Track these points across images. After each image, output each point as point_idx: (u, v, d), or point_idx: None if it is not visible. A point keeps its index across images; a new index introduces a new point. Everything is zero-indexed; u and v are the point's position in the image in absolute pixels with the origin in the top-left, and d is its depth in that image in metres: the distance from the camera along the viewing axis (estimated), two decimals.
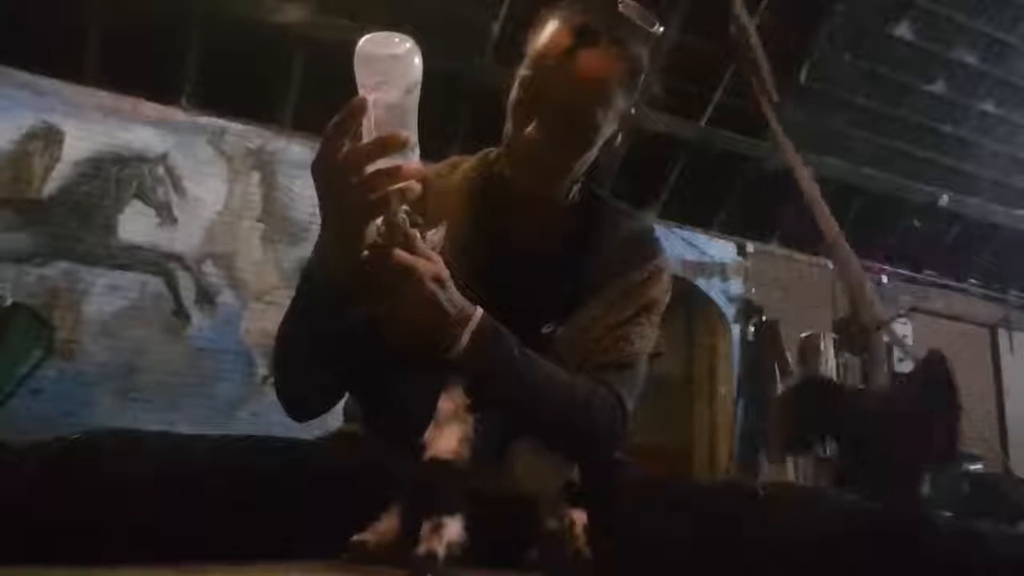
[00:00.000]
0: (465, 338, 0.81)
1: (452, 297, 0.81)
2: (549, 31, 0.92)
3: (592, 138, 0.94)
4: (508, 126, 0.96)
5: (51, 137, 4.83)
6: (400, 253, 0.77)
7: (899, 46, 6.29)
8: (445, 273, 0.81)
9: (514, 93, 0.94)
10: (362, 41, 0.75)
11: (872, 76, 6.40)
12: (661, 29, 0.95)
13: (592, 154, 0.97)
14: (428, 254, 0.80)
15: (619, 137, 0.99)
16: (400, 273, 0.77)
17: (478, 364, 0.82)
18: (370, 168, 0.74)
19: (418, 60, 0.76)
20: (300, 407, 0.95)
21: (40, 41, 4.72)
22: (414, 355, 0.82)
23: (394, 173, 0.75)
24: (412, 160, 0.77)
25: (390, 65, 0.75)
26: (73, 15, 4.72)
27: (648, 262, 1.02)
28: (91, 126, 4.94)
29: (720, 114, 6.21)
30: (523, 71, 0.93)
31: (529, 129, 0.91)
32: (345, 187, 0.75)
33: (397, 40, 0.76)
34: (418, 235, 0.79)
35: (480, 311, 0.83)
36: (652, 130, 5.79)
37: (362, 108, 0.73)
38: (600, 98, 0.91)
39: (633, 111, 0.98)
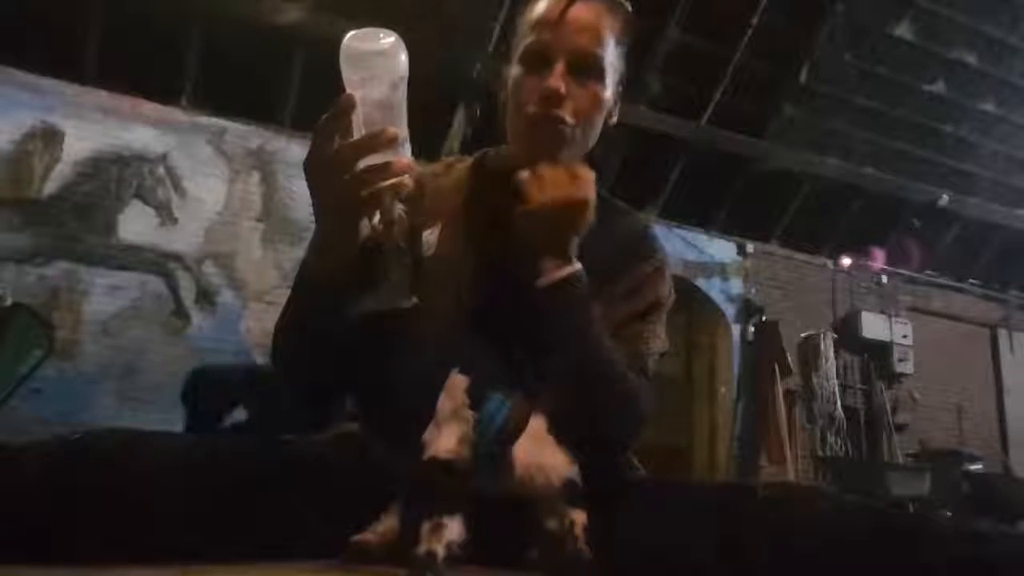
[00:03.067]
0: (567, 271, 0.86)
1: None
2: (541, 2, 0.97)
3: (604, 88, 0.96)
4: (514, 103, 0.97)
5: (51, 137, 4.84)
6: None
7: (899, 46, 6.29)
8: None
9: (516, 70, 0.97)
10: (346, 38, 0.75)
11: (872, 76, 6.40)
12: (630, 8, 1.02)
13: (603, 118, 0.99)
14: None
15: (615, 114, 1.02)
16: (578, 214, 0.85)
17: (563, 302, 0.87)
18: (361, 165, 0.75)
19: (403, 55, 0.76)
20: (296, 404, 0.95)
21: (40, 41, 4.72)
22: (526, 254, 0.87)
23: (385, 169, 0.75)
24: (403, 155, 0.77)
25: (375, 61, 0.75)
26: (73, 15, 4.72)
27: (650, 260, 1.02)
28: (91, 126, 4.94)
29: (720, 114, 6.21)
30: (527, 42, 0.96)
31: (549, 80, 0.93)
32: (337, 184, 0.76)
33: (381, 36, 0.76)
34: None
35: (580, 266, 0.88)
36: (652, 130, 5.80)
37: (350, 105, 0.74)
38: (603, 43, 0.96)
39: (621, 88, 1.02)
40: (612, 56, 0.97)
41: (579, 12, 0.95)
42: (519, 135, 0.97)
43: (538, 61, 0.94)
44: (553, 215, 0.86)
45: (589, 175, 0.87)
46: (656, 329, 0.99)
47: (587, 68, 0.95)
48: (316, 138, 0.76)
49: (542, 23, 0.95)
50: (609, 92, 0.98)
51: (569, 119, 0.94)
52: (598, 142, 1.01)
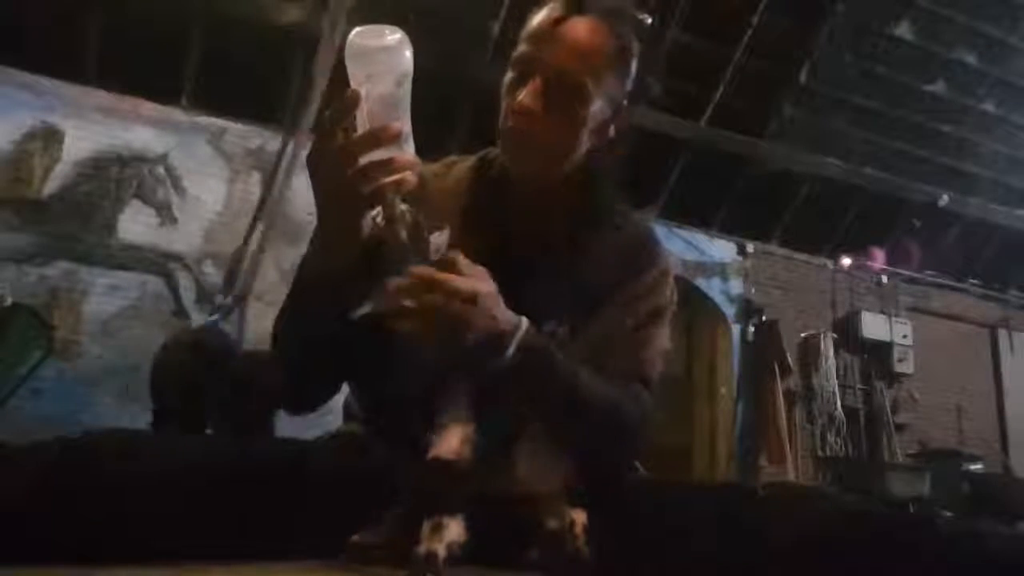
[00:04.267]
0: (512, 348, 0.80)
1: (502, 309, 0.80)
2: (542, 12, 0.95)
3: (583, 109, 0.93)
4: (502, 109, 0.96)
5: (51, 137, 4.83)
6: (459, 280, 0.76)
7: (899, 46, 6.29)
8: (495, 286, 0.80)
9: (508, 75, 0.96)
10: (352, 34, 0.76)
11: (872, 76, 6.39)
12: (649, 20, 0.98)
13: (583, 136, 0.96)
14: (477, 270, 0.79)
15: (612, 129, 0.99)
16: (464, 298, 0.75)
17: (525, 373, 0.82)
18: (364, 160, 0.75)
19: (408, 52, 0.77)
20: (295, 401, 0.95)
21: (40, 41, 4.72)
22: (452, 364, 0.82)
23: (388, 164, 0.75)
24: (406, 151, 0.77)
25: (380, 57, 0.76)
26: (73, 15, 4.72)
27: (654, 266, 1.02)
28: (91, 126, 4.94)
29: (720, 114, 6.21)
30: (517, 51, 0.95)
31: (522, 96, 0.91)
32: (340, 180, 0.76)
33: (387, 32, 0.76)
34: (453, 255, 0.78)
35: (526, 320, 0.82)
36: (652, 130, 5.79)
37: (355, 101, 0.74)
38: (588, 62, 0.92)
39: (626, 102, 0.98)
40: (604, 74, 0.93)
41: (569, 30, 0.92)
42: (502, 138, 0.97)
43: (523, 73, 0.93)
44: (441, 330, 0.77)
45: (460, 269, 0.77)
46: (660, 334, 0.99)
47: (566, 89, 0.92)
48: (320, 134, 0.76)
49: (533, 35, 0.94)
50: (597, 108, 0.94)
51: (538, 137, 0.92)
52: (599, 150, 1.00)
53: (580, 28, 0.92)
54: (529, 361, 0.81)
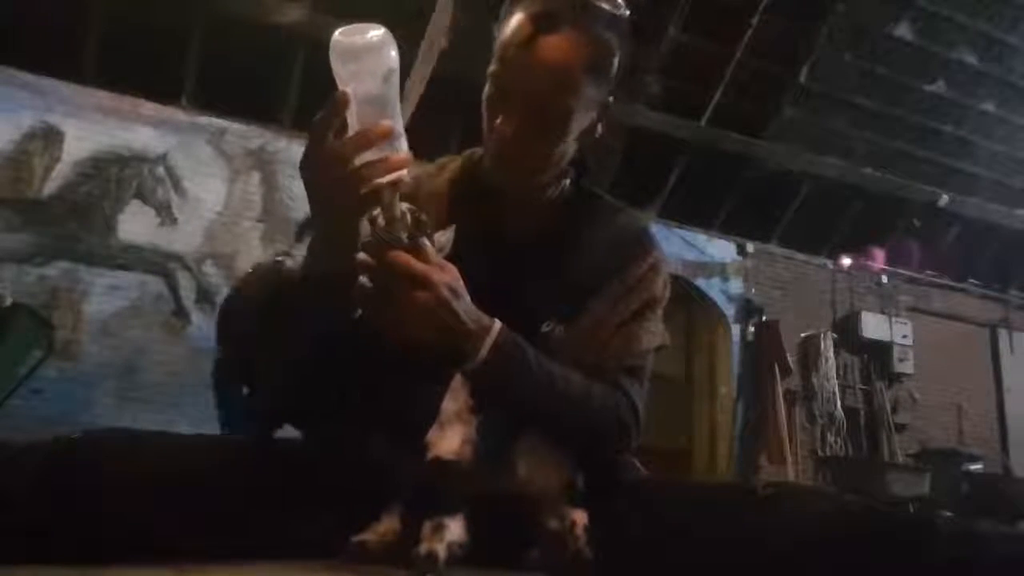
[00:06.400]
0: (484, 351, 0.80)
1: (468, 308, 0.80)
2: (512, 23, 0.90)
3: (563, 127, 0.91)
4: (484, 121, 0.94)
5: (51, 137, 4.84)
6: (413, 262, 0.76)
7: (899, 46, 6.29)
8: (460, 283, 0.79)
9: (486, 90, 0.93)
10: (335, 34, 0.75)
11: (872, 76, 6.39)
12: (627, 12, 0.93)
13: (568, 144, 0.94)
14: (440, 262, 0.79)
15: (599, 128, 0.97)
16: (415, 282, 0.76)
17: (497, 375, 0.81)
18: (357, 161, 0.74)
19: (393, 50, 0.76)
20: (278, 410, 0.94)
21: (40, 41, 4.72)
22: (424, 363, 0.81)
23: (381, 164, 0.75)
24: (399, 150, 0.76)
25: (365, 55, 0.75)
26: (73, 15, 4.72)
27: (645, 258, 1.01)
28: (91, 126, 4.94)
29: (720, 114, 6.21)
30: (491, 67, 0.92)
31: (499, 122, 0.90)
32: (333, 182, 0.75)
33: (370, 30, 0.76)
34: (426, 241, 0.78)
35: (498, 323, 0.82)
36: (652, 130, 5.79)
37: (344, 102, 0.73)
38: (565, 85, 0.88)
39: (611, 99, 0.96)
40: (584, 87, 0.90)
41: (541, 54, 0.87)
42: (486, 151, 0.96)
43: (501, 91, 0.90)
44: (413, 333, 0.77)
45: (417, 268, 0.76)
46: (651, 327, 0.98)
47: (546, 112, 0.89)
48: (311, 137, 0.76)
49: (505, 56, 0.89)
50: (580, 115, 0.92)
51: (521, 156, 0.91)
52: (591, 148, 1.00)
53: (552, 49, 0.87)
54: (502, 364, 0.81)
